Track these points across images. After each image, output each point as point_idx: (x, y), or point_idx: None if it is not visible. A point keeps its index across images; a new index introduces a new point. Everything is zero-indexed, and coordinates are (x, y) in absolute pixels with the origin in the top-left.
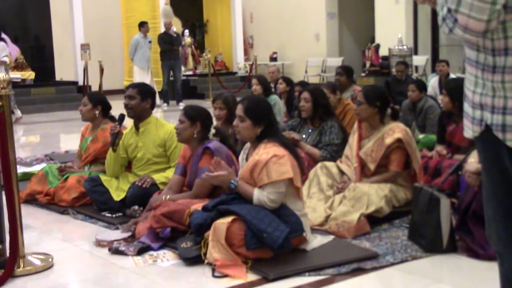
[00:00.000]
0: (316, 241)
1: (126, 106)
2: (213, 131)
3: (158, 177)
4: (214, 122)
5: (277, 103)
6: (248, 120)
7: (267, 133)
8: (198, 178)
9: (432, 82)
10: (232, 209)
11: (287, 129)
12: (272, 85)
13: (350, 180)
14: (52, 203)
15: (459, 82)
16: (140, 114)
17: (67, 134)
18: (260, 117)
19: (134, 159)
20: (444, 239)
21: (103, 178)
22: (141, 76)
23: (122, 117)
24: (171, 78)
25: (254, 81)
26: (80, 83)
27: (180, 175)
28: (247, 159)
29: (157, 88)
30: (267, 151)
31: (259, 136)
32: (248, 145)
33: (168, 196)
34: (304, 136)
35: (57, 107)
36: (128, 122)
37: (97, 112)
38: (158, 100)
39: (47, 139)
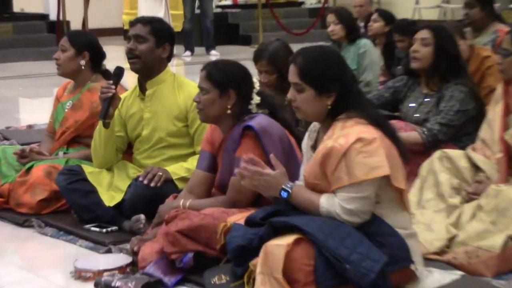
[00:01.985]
0: (432, 279)
1: (130, 52)
2: (256, 99)
3: (175, 170)
4: (257, 85)
5: (369, 51)
6: (309, 88)
7: (344, 104)
8: (235, 176)
9: None
10: (294, 222)
11: (386, 94)
12: (361, 23)
13: (490, 179)
14: (5, 209)
15: None
16: (151, 68)
17: (31, 99)
18: (328, 80)
19: (138, 139)
20: None
21: (87, 169)
22: (151, 7)
23: (120, 72)
24: (197, 11)
25: (331, 17)
26: (53, 17)
27: (206, 170)
28: (314, 148)
29: (176, 26)
30: (347, 132)
31: (332, 111)
32: (315, 125)
33: (188, 203)
34: (413, 104)
35: (16, 55)
36: (129, 81)
37: (83, 62)
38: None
39: (0, 106)
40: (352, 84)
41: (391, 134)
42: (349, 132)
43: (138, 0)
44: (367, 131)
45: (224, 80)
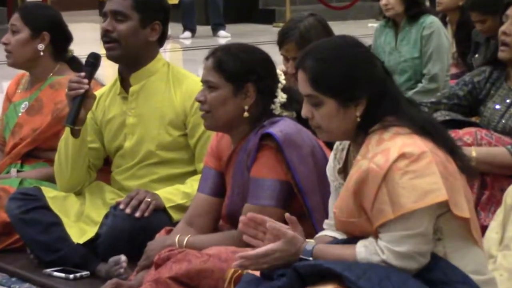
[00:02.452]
0: None
1: (105, 35)
2: (281, 97)
3: (169, 195)
4: (282, 78)
5: (436, 33)
6: (328, 99)
7: (378, 111)
8: (250, 203)
9: None
10: (328, 265)
11: (460, 92)
12: None
13: None
14: None
15: None
16: (135, 55)
17: None
18: (352, 85)
19: (118, 153)
20: None
21: (49, 193)
22: None
23: (95, 60)
24: None
25: None
26: None
27: (211, 195)
28: (344, 173)
29: None
30: (386, 147)
31: (363, 122)
32: (342, 144)
33: (187, 239)
34: (499, 106)
35: None
36: (107, 73)
37: (41, 46)
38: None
39: None
40: (385, 83)
41: (445, 144)
42: (389, 147)
43: None
44: (413, 144)
45: (240, 70)
